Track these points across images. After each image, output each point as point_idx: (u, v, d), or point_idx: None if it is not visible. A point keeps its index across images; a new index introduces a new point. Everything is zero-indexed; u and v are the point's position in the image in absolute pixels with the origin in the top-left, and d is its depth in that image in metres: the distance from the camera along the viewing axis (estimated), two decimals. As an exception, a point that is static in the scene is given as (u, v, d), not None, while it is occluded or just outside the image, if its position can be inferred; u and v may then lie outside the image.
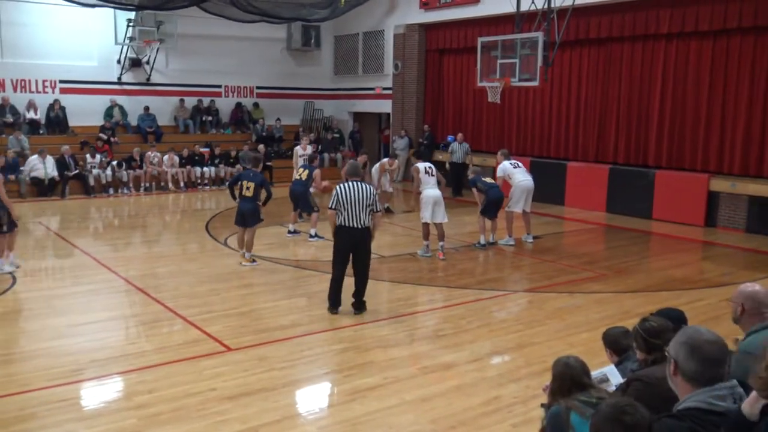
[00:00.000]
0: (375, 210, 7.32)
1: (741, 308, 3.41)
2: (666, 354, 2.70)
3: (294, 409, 5.28)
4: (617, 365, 3.90)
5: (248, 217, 9.49)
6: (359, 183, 7.32)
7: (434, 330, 7.01)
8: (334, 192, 7.33)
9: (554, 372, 3.48)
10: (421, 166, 10.37)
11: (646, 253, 11.45)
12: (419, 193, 10.31)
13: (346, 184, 7.31)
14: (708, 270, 10.28)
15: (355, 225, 7.19)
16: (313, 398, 5.56)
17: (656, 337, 3.41)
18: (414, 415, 5.03)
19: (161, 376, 5.67)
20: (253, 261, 9.65)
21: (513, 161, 11.56)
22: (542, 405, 3.64)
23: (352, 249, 7.31)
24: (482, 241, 10.95)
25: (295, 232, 11.72)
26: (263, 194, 9.59)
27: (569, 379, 3.37)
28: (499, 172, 11.41)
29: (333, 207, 7.26)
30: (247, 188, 9.48)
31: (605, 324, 6.68)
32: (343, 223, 7.24)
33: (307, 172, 11.55)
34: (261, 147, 18.95)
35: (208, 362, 5.98)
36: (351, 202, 7.17)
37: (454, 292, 8.51)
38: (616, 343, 3.98)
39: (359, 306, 7.46)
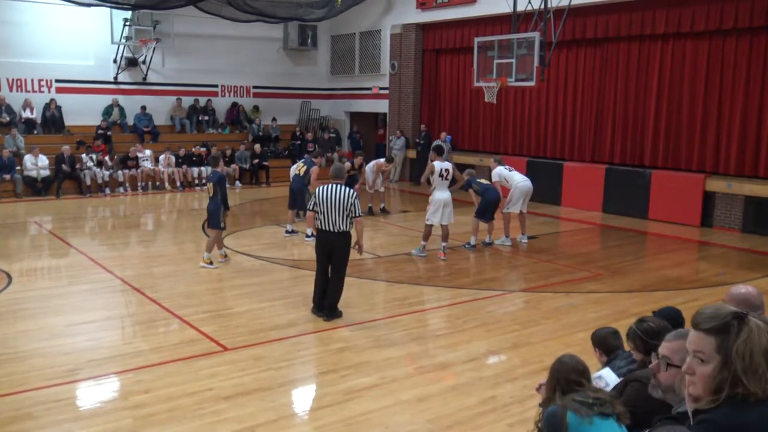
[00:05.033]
0: (355, 215, 7.07)
1: None
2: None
3: (290, 409, 5.28)
4: (606, 364, 3.91)
5: (210, 217, 9.39)
6: (339, 186, 7.09)
7: (431, 330, 7.01)
8: (313, 193, 7.25)
9: (551, 371, 3.48)
10: (438, 166, 9.97)
11: (642, 253, 11.47)
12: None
13: (325, 187, 7.14)
14: (704, 270, 10.31)
15: (331, 229, 7.01)
16: (309, 398, 5.56)
17: (655, 338, 3.38)
18: (410, 414, 5.03)
19: (157, 376, 5.66)
20: (210, 263, 9.32)
21: (507, 166, 11.64)
22: (539, 404, 3.65)
23: (329, 253, 7.13)
24: (473, 242, 10.88)
25: (293, 231, 11.64)
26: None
27: (566, 379, 3.37)
28: (494, 177, 11.35)
29: (311, 208, 7.16)
30: (209, 189, 9.41)
31: (601, 324, 6.71)
32: (320, 227, 7.11)
33: (305, 167, 11.52)
34: (257, 147, 18.99)
35: (204, 362, 5.97)
36: (327, 206, 6.99)
37: (451, 292, 8.51)
38: (603, 343, 4.01)
39: (329, 313, 7.17)
